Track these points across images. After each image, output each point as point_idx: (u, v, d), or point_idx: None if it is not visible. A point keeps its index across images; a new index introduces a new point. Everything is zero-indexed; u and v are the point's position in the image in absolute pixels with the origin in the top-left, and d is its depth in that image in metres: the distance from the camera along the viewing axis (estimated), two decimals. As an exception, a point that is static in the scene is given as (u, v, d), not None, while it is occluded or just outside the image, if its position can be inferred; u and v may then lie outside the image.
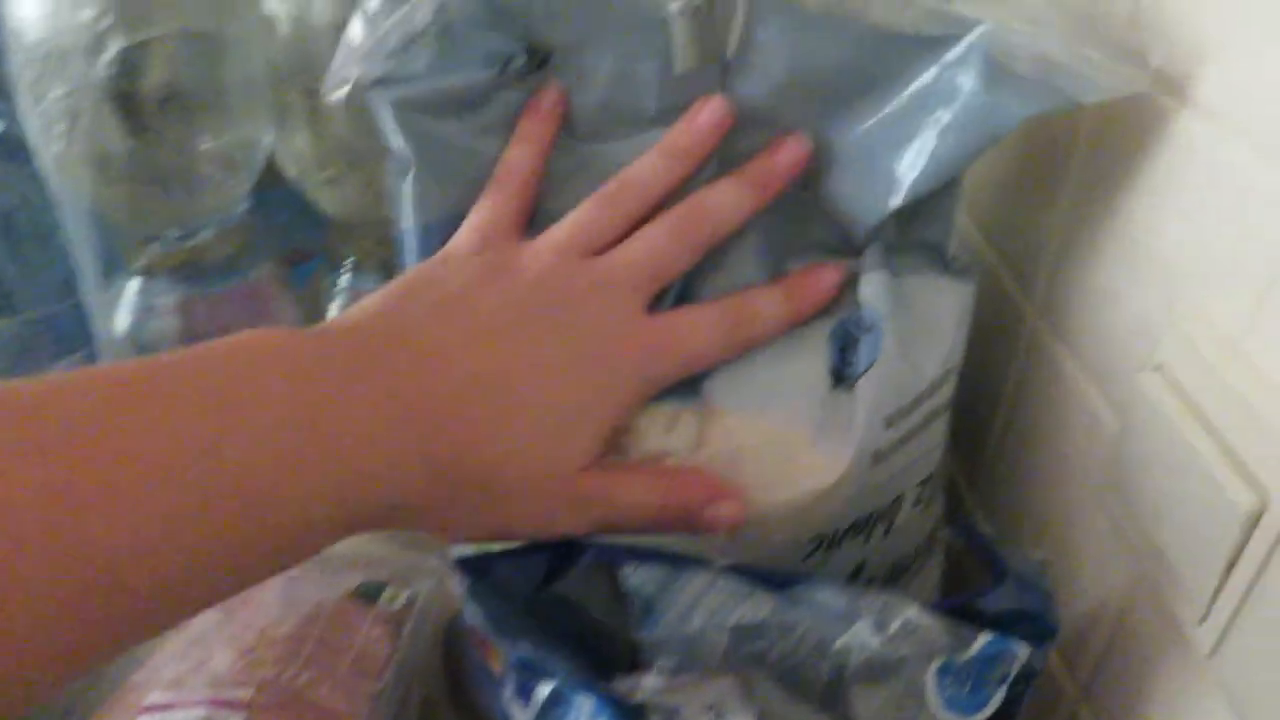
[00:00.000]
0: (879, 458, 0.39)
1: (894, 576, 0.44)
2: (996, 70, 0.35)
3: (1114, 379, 0.39)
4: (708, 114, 0.38)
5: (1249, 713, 0.31)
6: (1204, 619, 0.33)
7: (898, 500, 0.41)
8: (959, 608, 0.35)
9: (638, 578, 0.34)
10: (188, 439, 0.27)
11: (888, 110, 0.37)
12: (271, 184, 0.57)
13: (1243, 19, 0.32)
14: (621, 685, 0.34)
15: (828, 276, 0.39)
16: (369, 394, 0.32)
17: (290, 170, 0.57)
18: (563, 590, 0.34)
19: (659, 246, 0.37)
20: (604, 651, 0.34)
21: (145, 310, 0.53)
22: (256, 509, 0.28)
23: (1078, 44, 0.34)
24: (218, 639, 0.49)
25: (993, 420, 0.51)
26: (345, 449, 0.30)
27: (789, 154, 0.38)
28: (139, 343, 0.53)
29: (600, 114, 0.39)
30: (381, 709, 0.46)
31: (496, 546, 0.38)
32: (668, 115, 0.38)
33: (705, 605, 0.34)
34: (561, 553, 0.35)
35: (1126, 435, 0.37)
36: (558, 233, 0.37)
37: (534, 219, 0.39)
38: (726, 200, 0.38)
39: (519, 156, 0.39)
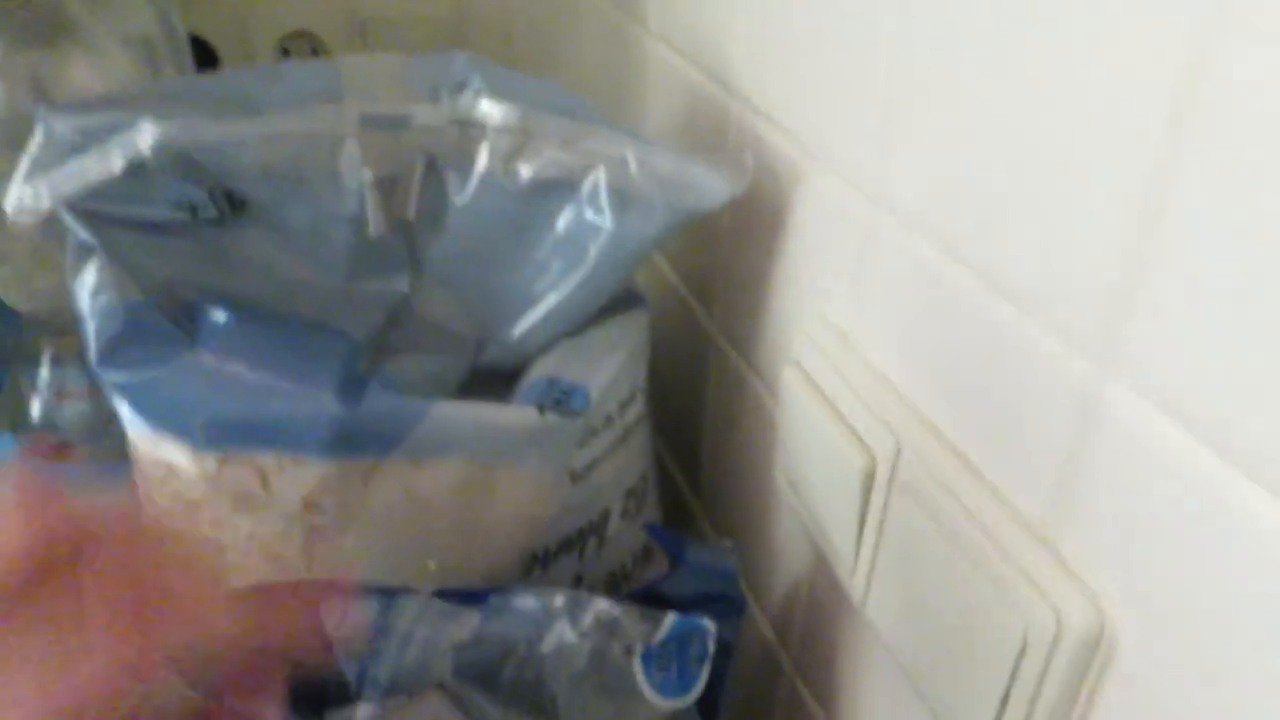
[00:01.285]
0: (576, 476, 0.42)
1: (614, 585, 0.47)
2: (621, 200, 0.40)
3: (772, 375, 0.45)
4: None
5: (897, 649, 0.36)
6: (853, 572, 0.38)
7: (605, 514, 0.45)
8: (645, 594, 0.38)
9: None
10: None
11: (539, 255, 0.42)
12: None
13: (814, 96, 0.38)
14: (336, 718, 0.35)
15: None
16: None
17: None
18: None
19: None
20: (313, 690, 0.35)
21: None
22: None
23: (684, 162, 0.40)
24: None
25: (700, 426, 0.56)
26: None
27: None
28: None
29: (294, 266, 0.40)
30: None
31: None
32: (360, 275, 0.41)
33: (420, 631, 0.35)
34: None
35: (781, 422, 0.42)
36: None
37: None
38: None
39: None
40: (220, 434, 0.37)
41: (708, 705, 0.42)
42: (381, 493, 0.38)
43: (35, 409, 0.54)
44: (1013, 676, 0.29)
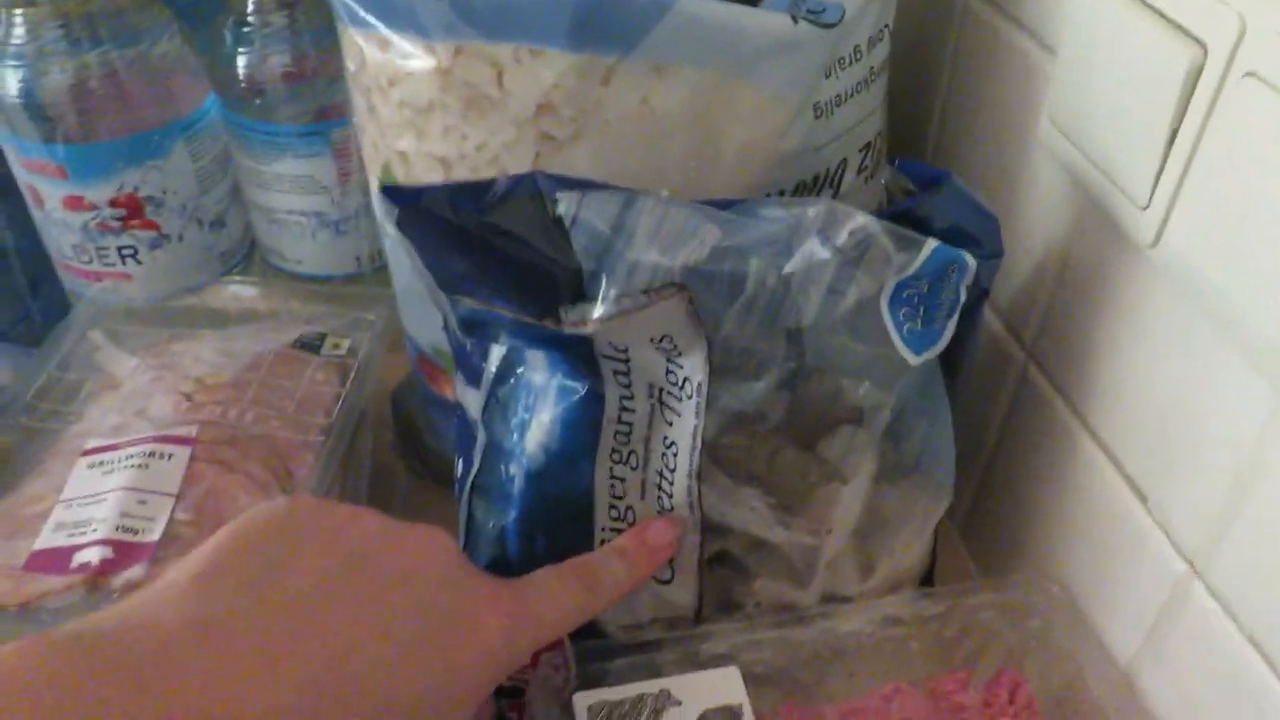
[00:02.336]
0: (819, 110, 0.39)
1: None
2: None
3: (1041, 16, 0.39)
4: (656, 533, 0.37)
5: (1205, 282, 0.31)
6: (1146, 207, 0.33)
7: (842, 165, 0.41)
8: (903, 213, 0.35)
9: (586, 210, 0.33)
10: None
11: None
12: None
13: None
14: (569, 315, 0.33)
15: (661, 535, 0.38)
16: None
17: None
18: (497, 220, 0.32)
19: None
20: (544, 283, 0.33)
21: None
22: None
23: None
24: (154, 388, 0.47)
25: (935, 87, 0.50)
26: None
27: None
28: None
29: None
30: (332, 441, 0.46)
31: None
32: None
33: (658, 238, 0.33)
34: (488, 184, 0.33)
35: (1062, 56, 0.37)
36: None
37: None
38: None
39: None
40: (456, 22, 0.35)
41: (952, 362, 0.39)
42: (619, 99, 0.35)
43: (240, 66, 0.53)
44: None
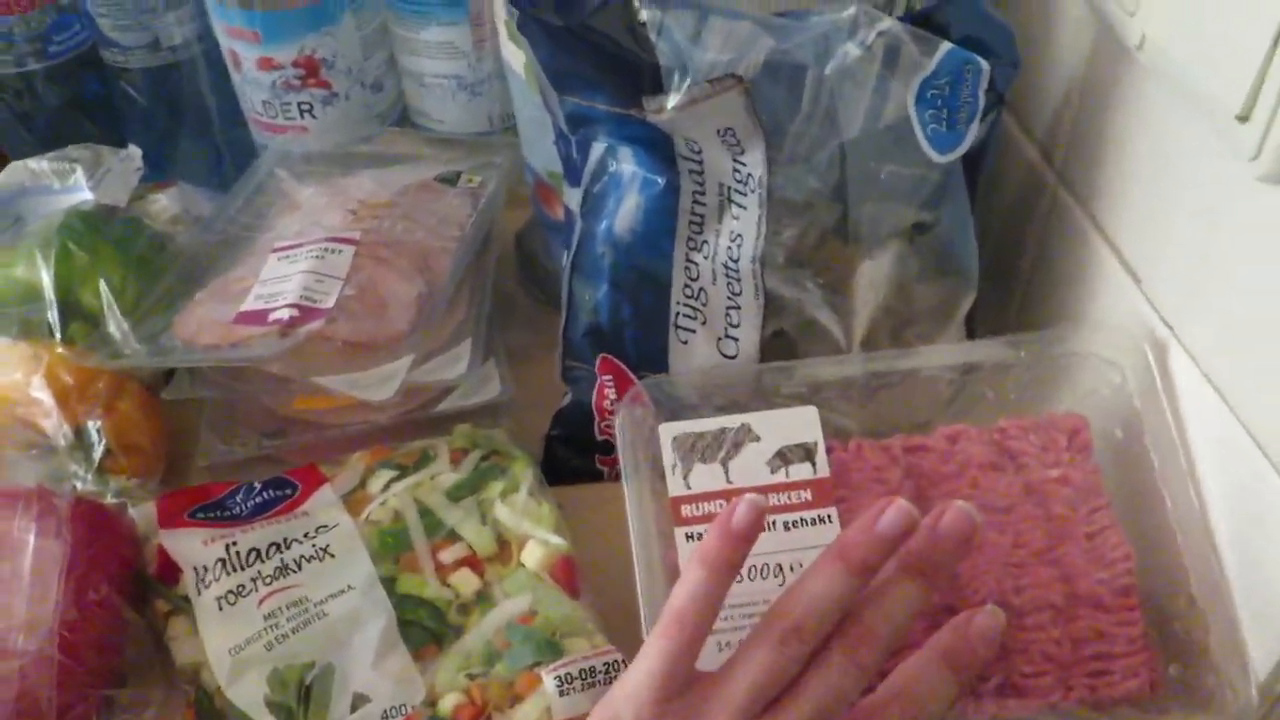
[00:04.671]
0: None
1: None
2: None
3: None
4: (890, 521, 0.34)
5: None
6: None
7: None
8: (923, 19, 0.41)
9: (669, 19, 0.41)
10: None
11: None
12: None
13: None
14: (650, 104, 0.42)
15: (984, 631, 0.35)
16: None
17: None
18: (594, 23, 0.41)
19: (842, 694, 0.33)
20: (631, 78, 0.42)
21: None
22: None
23: None
24: (326, 208, 0.58)
25: None
26: None
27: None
28: None
29: None
30: (464, 248, 0.56)
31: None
32: None
33: (726, 45, 0.41)
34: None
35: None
36: (736, 693, 0.33)
37: None
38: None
39: (702, 586, 0.34)
40: None
41: (973, 170, 0.46)
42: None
43: None
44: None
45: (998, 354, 0.44)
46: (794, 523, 0.40)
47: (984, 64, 0.42)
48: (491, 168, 0.62)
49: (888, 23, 0.40)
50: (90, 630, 0.39)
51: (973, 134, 0.44)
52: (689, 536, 0.40)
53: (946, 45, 0.41)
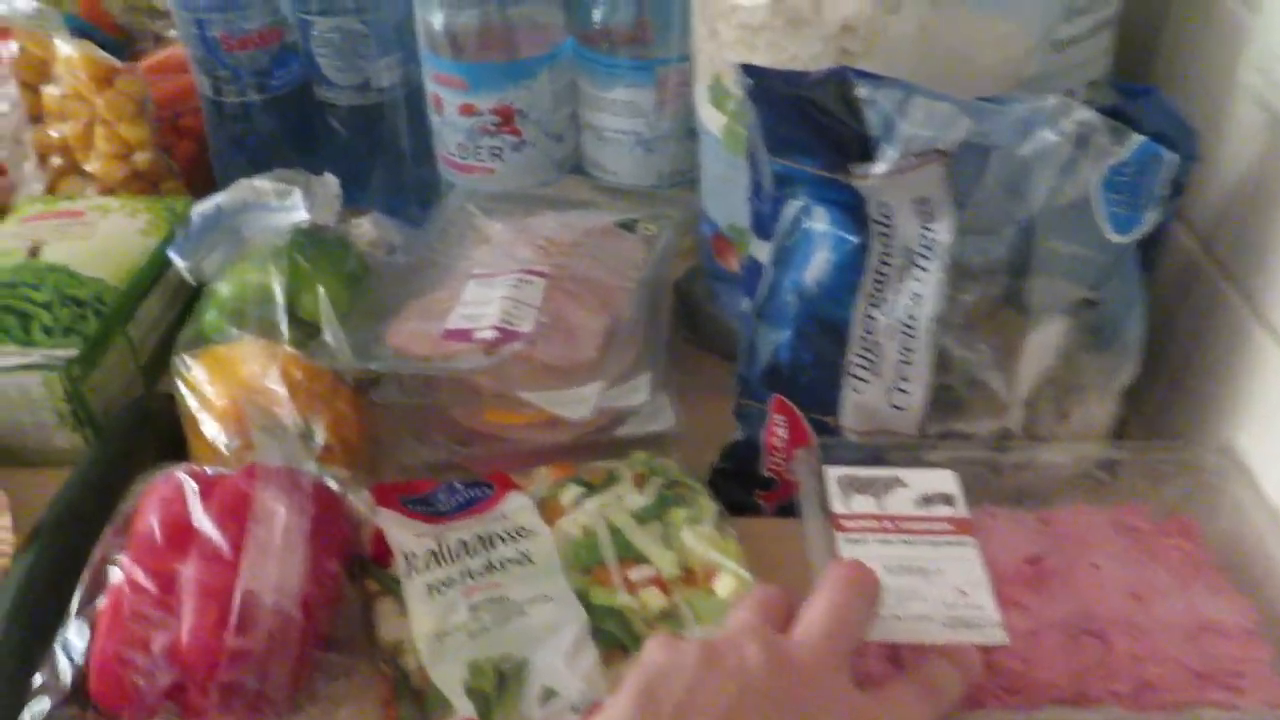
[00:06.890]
0: (1056, 46, 0.50)
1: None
2: None
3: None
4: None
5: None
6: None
7: (1069, 95, 0.52)
8: (1116, 113, 0.45)
9: (878, 94, 0.45)
10: None
11: None
12: None
13: None
14: (857, 170, 0.46)
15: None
16: None
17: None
18: (814, 96, 0.46)
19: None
20: (841, 147, 0.46)
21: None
22: None
23: None
24: (515, 242, 0.63)
25: (1155, 43, 0.60)
26: None
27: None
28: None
29: None
30: (642, 288, 0.60)
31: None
32: None
33: (929, 121, 0.46)
34: (808, 73, 0.47)
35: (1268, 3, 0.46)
36: (817, 628, 0.38)
37: None
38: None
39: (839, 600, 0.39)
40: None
41: (1149, 255, 0.50)
42: (902, 24, 0.48)
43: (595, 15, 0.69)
44: None
45: (1114, 454, 0.51)
46: (937, 542, 0.45)
47: (1172, 157, 0.45)
48: (664, 219, 0.67)
49: (1086, 113, 0.45)
50: (323, 597, 0.43)
51: (1150, 220, 0.48)
52: (849, 541, 0.45)
53: (1140, 138, 0.45)
